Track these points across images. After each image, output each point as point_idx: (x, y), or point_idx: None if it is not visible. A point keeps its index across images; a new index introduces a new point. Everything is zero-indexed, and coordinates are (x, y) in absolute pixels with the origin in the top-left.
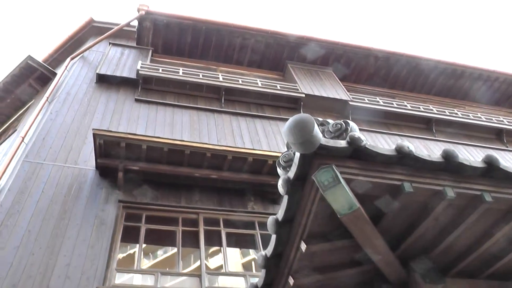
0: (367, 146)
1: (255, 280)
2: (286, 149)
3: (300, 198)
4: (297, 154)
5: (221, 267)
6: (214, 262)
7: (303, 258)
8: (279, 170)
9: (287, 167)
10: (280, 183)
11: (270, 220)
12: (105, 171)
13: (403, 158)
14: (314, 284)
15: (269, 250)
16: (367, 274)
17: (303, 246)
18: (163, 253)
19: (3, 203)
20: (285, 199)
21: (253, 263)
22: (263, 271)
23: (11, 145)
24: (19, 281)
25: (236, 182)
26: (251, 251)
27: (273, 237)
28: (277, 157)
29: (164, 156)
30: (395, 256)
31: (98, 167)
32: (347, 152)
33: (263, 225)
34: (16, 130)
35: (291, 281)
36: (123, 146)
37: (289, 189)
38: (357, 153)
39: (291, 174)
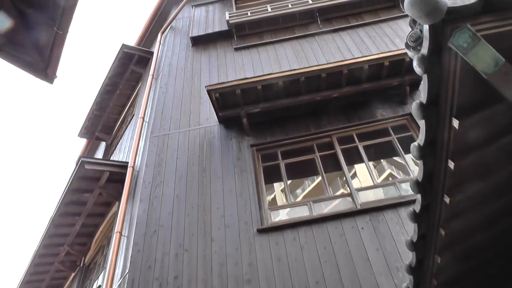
0: None
1: (405, 185)
2: (410, 29)
3: (439, 72)
4: (425, 27)
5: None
6: (354, 184)
7: (458, 137)
8: (409, 52)
9: (416, 46)
10: (415, 63)
11: (414, 105)
12: (229, 122)
13: None
14: (474, 163)
15: (421, 139)
16: None
17: (456, 123)
18: (301, 191)
19: (145, 178)
20: (424, 79)
21: (390, 178)
22: (420, 162)
23: (135, 128)
24: (184, 240)
25: (359, 94)
26: (385, 166)
27: (421, 123)
28: (392, 56)
29: (281, 90)
30: None
31: (221, 120)
32: (478, 8)
33: (397, 129)
34: (133, 114)
35: (451, 164)
36: (239, 93)
37: (426, 67)
38: (489, 6)
39: (424, 50)
